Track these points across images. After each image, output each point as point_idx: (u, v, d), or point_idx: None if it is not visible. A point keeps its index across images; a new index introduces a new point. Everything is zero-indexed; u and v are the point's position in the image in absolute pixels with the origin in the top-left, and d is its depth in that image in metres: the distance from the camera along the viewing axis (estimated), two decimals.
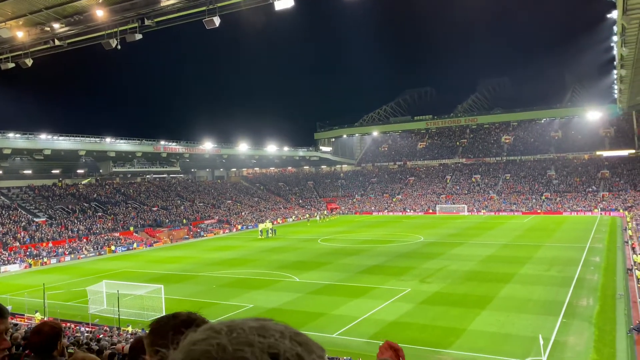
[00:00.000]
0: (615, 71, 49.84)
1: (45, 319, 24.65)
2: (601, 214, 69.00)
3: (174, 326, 1.65)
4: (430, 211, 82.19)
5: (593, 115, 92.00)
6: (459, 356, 19.33)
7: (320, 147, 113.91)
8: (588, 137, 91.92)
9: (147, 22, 21.64)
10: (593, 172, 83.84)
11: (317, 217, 79.65)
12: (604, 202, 73.06)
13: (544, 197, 79.62)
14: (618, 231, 52.69)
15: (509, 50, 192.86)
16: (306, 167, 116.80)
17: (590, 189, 78.86)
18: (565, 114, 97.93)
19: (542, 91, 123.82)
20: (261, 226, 63.55)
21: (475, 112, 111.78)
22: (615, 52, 40.69)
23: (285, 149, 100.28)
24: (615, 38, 36.40)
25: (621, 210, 67.46)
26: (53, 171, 71.59)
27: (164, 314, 19.32)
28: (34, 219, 57.16)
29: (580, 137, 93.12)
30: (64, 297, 31.86)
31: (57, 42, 23.14)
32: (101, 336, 18.03)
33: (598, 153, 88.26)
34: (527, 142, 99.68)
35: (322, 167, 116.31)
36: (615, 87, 61.73)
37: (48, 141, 59.77)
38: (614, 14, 31.01)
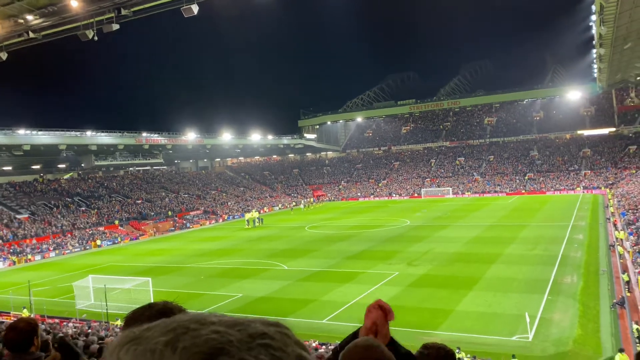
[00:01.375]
0: (594, 50, 50.31)
1: (32, 316, 24.42)
2: (583, 192, 70.04)
3: (149, 317, 1.60)
4: (416, 195, 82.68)
5: (574, 95, 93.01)
6: (448, 337, 19.56)
7: (305, 135, 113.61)
8: (569, 116, 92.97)
9: (123, 12, 21.22)
10: (575, 151, 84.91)
11: (301, 206, 79.23)
12: (585, 181, 74.12)
13: (527, 177, 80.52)
14: (600, 209, 53.56)
15: (490, 32, 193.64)
16: (291, 155, 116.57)
17: (572, 168, 79.91)
18: (546, 94, 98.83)
19: (524, 72, 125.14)
20: (247, 216, 63.38)
21: (457, 95, 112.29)
22: (594, 31, 41.05)
23: (270, 137, 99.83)
24: (593, 17, 36.71)
25: (603, 188, 68.53)
26: (33, 167, 70.49)
27: None
28: (16, 216, 56.33)
29: (561, 117, 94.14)
30: (50, 294, 31.55)
31: (31, 35, 22.61)
32: (89, 331, 17.91)
33: (579, 132, 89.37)
34: (510, 123, 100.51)
35: (307, 154, 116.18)
36: (595, 66, 62.37)
37: (27, 136, 58.71)
38: None
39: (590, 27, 42.37)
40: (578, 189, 71.63)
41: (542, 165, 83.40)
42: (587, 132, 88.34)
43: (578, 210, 52.85)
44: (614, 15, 33.32)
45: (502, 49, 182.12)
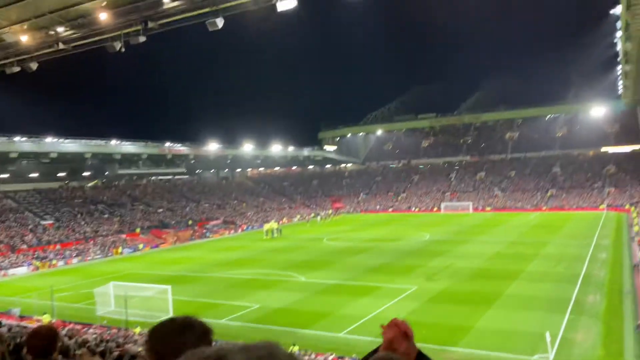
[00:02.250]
0: (619, 67, 49.67)
1: (54, 321, 24.84)
2: (607, 210, 68.69)
3: (172, 331, 1.69)
4: (435, 209, 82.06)
5: (597, 112, 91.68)
6: (467, 354, 19.33)
7: (325, 147, 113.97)
8: (593, 133, 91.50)
9: (150, 25, 21.70)
10: (598, 168, 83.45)
11: (318, 218, 78.13)
12: (609, 198, 72.73)
13: (549, 193, 79.33)
14: (624, 227, 52.45)
15: (513, 47, 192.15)
16: (311, 167, 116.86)
17: (595, 185, 78.51)
18: (570, 110, 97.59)
19: (547, 88, 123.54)
20: (266, 226, 63.60)
21: (479, 110, 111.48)
22: (619, 47, 40.55)
23: (290, 148, 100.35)
24: (619, 34, 36.28)
25: (627, 206, 67.14)
26: (59, 174, 71.92)
27: (171, 314, 19.33)
28: (41, 222, 57.48)
29: (584, 133, 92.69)
30: (72, 299, 32.04)
31: (61, 46, 23.25)
32: (108, 337, 18.14)
33: (603, 149, 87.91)
34: (532, 139, 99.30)
35: (327, 166, 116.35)
36: (620, 82, 61.52)
37: (54, 144, 60.08)
38: (618, 10, 30.92)
39: (615, 44, 41.86)
40: (602, 206, 70.28)
41: (565, 182, 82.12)
42: (611, 149, 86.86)
43: (601, 229, 51.84)
44: None
45: (526, 63, 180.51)
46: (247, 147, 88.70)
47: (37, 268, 46.72)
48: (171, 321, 1.76)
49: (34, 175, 67.80)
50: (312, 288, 31.69)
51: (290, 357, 0.97)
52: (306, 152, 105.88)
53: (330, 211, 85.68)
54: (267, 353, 0.91)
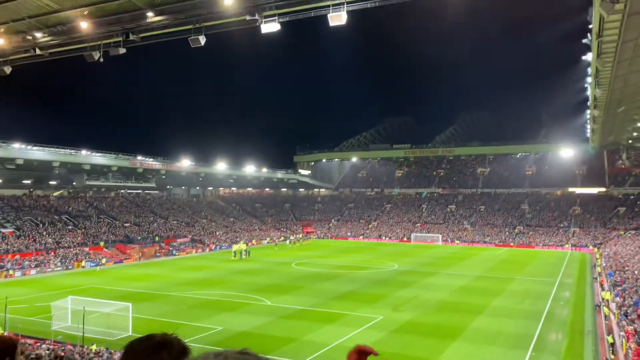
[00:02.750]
0: (588, 111, 51.37)
1: (5, 334, 23.77)
2: (572, 249, 70.18)
3: (147, 347, 1.61)
4: (405, 239, 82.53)
5: (566, 153, 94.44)
6: None
7: (299, 170, 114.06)
8: (561, 173, 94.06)
9: (131, 37, 21.56)
10: (565, 208, 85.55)
11: (287, 242, 77.83)
12: (574, 238, 74.41)
13: (516, 230, 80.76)
14: (587, 267, 53.58)
15: (488, 85, 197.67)
16: (284, 190, 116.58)
17: (562, 225, 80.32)
18: (540, 150, 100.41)
19: (519, 126, 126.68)
20: (235, 247, 62.82)
21: (453, 144, 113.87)
22: (589, 92, 42.00)
23: (264, 170, 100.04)
24: (589, 79, 37.62)
25: (591, 247, 68.75)
26: (24, 181, 69.92)
27: (130, 333, 18.81)
28: (1, 230, 55.52)
29: (553, 173, 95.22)
30: (27, 312, 30.80)
31: (38, 52, 22.88)
32: (63, 354, 17.43)
33: (570, 190, 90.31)
34: (502, 175, 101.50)
35: (300, 190, 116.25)
36: (588, 126, 63.57)
37: (21, 150, 58.47)
38: (589, 56, 32.10)
39: (585, 88, 43.37)
40: (567, 245, 71.80)
41: (532, 220, 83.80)
42: (578, 190, 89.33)
43: (566, 267, 52.85)
44: (609, 79, 34.21)
45: (500, 101, 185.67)
46: (221, 166, 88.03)
47: None
48: (148, 338, 1.68)
49: None
50: (277, 312, 31.24)
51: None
52: (280, 174, 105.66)
53: (300, 235, 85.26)
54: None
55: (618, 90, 37.53)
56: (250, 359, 0.94)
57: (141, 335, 1.82)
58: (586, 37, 28.93)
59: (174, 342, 1.66)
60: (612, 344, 23.27)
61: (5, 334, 23.79)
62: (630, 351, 20.76)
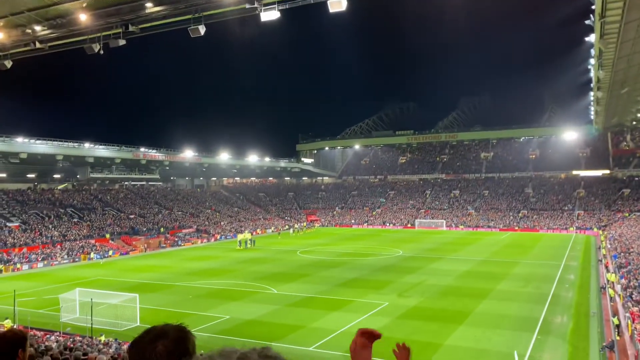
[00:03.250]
0: (592, 93, 51.08)
1: (15, 326, 24.03)
2: (576, 232, 70.17)
3: (148, 341, 1.66)
4: (409, 225, 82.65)
5: (570, 136, 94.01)
6: None
7: (302, 159, 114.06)
8: (565, 156, 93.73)
9: (131, 28, 21.50)
10: (569, 191, 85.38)
11: (290, 231, 77.79)
12: (579, 221, 74.34)
13: (521, 214, 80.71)
14: (592, 250, 53.61)
15: (490, 68, 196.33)
16: (287, 179, 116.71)
17: (566, 208, 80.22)
18: (543, 133, 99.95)
19: (522, 110, 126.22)
20: (240, 237, 63.10)
21: (455, 129, 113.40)
22: (592, 74, 41.71)
23: (267, 159, 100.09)
24: (592, 61, 37.34)
25: (595, 229, 68.73)
26: (28, 175, 70.20)
27: (138, 323, 18.95)
28: (7, 224, 55.85)
29: (557, 156, 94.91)
30: (35, 305, 31.08)
31: (38, 45, 22.84)
32: (72, 345, 17.60)
33: (574, 172, 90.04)
34: (506, 159, 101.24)
35: (304, 178, 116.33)
36: (592, 108, 63.23)
37: (25, 144, 58.65)
38: (592, 38, 31.84)
39: (588, 70, 43.06)
40: (571, 229, 71.78)
41: (536, 203, 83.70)
42: (582, 173, 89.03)
43: (570, 250, 52.88)
44: (612, 60, 33.95)
45: (502, 85, 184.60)
46: (224, 156, 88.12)
47: (0, 271, 45.30)
48: (147, 332, 1.73)
49: (2, 175, 66.06)
50: (283, 300, 31.43)
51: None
52: (283, 163, 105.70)
53: (304, 224, 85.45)
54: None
55: (621, 72, 37.27)
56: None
57: (148, 327, 1.86)
58: (589, 18, 28.68)
59: (171, 331, 1.71)
60: (618, 326, 23.35)
61: (14, 326, 24.07)
62: (635, 332, 20.84)
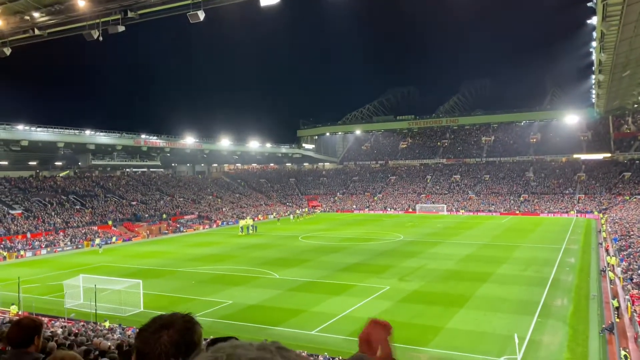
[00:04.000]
0: (593, 76, 50.80)
1: (20, 313, 24.29)
2: (577, 216, 70.31)
3: (153, 331, 1.69)
4: (411, 210, 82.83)
5: (571, 119, 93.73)
6: (437, 354, 19.57)
7: (303, 145, 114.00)
8: (566, 140, 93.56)
9: (130, 14, 21.36)
10: (570, 174, 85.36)
11: (291, 217, 77.85)
12: (580, 205, 74.45)
13: (522, 198, 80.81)
14: (593, 233, 53.77)
15: (490, 52, 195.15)
16: (288, 164, 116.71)
17: (567, 191, 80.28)
18: (544, 117, 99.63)
19: (523, 94, 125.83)
20: (242, 222, 63.33)
21: (456, 113, 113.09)
22: (594, 57, 41.45)
23: (268, 145, 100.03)
24: (594, 44, 37.10)
25: (596, 213, 68.84)
26: (30, 163, 70.27)
27: (141, 309, 19.11)
28: (10, 211, 56.09)
29: (558, 140, 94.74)
30: (40, 291, 31.38)
31: (36, 32, 22.70)
32: (77, 331, 17.80)
33: (575, 156, 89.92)
34: (507, 144, 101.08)
35: (305, 164, 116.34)
36: (593, 91, 62.93)
37: (26, 132, 58.64)
38: (594, 20, 31.60)
39: (590, 53, 42.78)
40: (572, 212, 71.91)
41: (537, 187, 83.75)
42: (583, 157, 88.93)
43: (571, 234, 53.05)
44: (614, 43, 33.72)
45: (503, 69, 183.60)
46: (225, 142, 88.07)
47: (4, 258, 45.62)
48: (153, 321, 1.76)
49: (4, 163, 66.13)
50: (285, 285, 31.67)
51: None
52: (284, 149, 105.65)
53: (305, 209, 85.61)
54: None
55: (623, 54, 37.02)
56: (291, 355, 0.98)
57: (154, 314, 1.89)
58: (591, 0, 28.43)
59: (176, 322, 1.74)
60: (617, 308, 23.54)
61: (20, 312, 24.34)
62: (635, 314, 21.03)
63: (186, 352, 1.66)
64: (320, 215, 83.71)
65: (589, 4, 29.10)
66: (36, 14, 21.73)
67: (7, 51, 24.15)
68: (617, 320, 22.73)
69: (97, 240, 52.92)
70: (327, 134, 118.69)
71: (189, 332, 1.72)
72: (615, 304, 23.84)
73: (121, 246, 53.71)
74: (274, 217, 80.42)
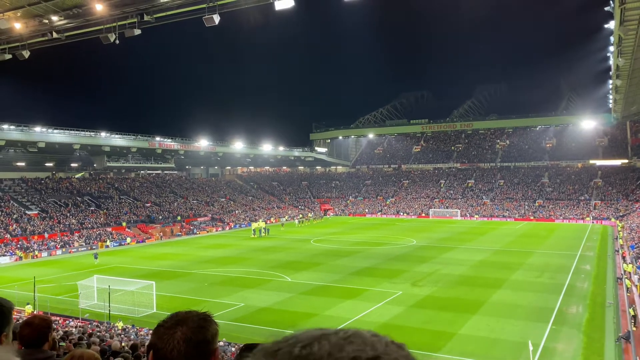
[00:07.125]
0: (610, 81, 50.15)
1: (35, 312, 24.57)
2: (593, 222, 69.39)
3: (168, 327, 1.71)
4: (424, 215, 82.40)
5: (587, 124, 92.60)
6: None
7: (316, 148, 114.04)
8: (582, 145, 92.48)
9: (146, 18, 21.59)
10: (586, 180, 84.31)
11: (296, 221, 76.63)
12: (596, 211, 73.47)
13: (536, 204, 79.98)
14: (609, 240, 53.01)
15: (506, 56, 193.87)
16: (301, 168, 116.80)
17: (582, 197, 79.29)
18: (560, 122, 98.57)
19: (538, 98, 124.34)
20: (254, 225, 63.52)
21: (471, 118, 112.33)
22: (611, 62, 40.92)
23: (281, 148, 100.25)
24: (611, 48, 36.62)
25: (613, 219, 67.87)
26: (47, 164, 71.21)
27: (154, 310, 19.21)
28: (26, 212, 56.85)
29: (574, 145, 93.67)
30: (55, 291, 31.71)
31: (55, 35, 23.06)
32: (91, 331, 17.96)
33: (591, 162, 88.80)
34: (522, 149, 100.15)
35: (317, 167, 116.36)
36: (610, 96, 62.11)
37: (43, 134, 59.44)
38: (611, 25, 31.20)
39: (607, 58, 42.25)
40: (588, 218, 70.98)
41: (552, 193, 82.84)
42: (599, 162, 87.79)
43: (587, 241, 52.35)
44: (632, 48, 33.26)
45: (518, 73, 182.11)
46: (238, 145, 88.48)
47: (20, 258, 46.21)
48: (171, 317, 1.78)
49: (21, 164, 67.10)
50: (297, 289, 31.65)
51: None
52: (297, 152, 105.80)
53: (310, 214, 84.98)
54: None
55: None
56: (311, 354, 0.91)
57: (167, 314, 1.91)
58: (608, 4, 28.12)
59: (191, 320, 1.75)
60: (634, 317, 23.15)
61: (35, 312, 24.61)
62: None
63: (198, 349, 1.67)
64: (333, 218, 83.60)
65: (607, 8, 28.77)
66: (55, 18, 22.06)
67: (26, 54, 24.53)
68: (634, 329, 22.35)
69: (107, 242, 53.40)
70: (340, 137, 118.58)
71: (202, 330, 1.73)
72: (632, 312, 23.46)
73: (135, 248, 54.12)
74: (286, 220, 79.96)
